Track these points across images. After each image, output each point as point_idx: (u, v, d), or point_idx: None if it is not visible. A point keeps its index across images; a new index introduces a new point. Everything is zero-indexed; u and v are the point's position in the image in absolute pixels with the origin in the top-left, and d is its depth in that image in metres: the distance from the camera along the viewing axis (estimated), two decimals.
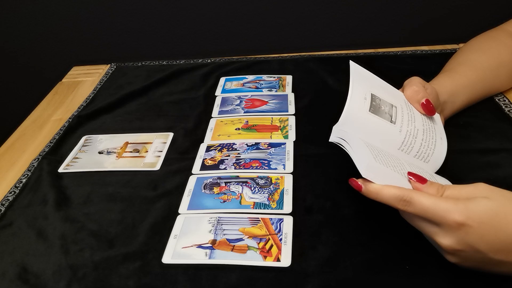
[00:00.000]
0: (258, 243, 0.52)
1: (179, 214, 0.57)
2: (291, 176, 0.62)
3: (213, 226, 0.55)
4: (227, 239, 0.53)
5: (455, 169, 0.58)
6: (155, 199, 0.60)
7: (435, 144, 0.57)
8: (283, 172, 0.62)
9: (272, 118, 0.75)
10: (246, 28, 1.07)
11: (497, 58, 0.69)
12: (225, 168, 0.64)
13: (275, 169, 0.63)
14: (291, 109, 0.77)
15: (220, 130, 0.73)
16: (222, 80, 0.89)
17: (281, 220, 0.55)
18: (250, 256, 0.50)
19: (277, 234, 0.53)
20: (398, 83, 0.62)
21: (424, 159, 0.56)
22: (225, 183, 0.61)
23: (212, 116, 0.77)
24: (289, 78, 0.87)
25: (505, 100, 0.71)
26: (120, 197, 0.61)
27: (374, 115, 0.54)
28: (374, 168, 0.46)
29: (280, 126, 0.72)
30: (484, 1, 0.99)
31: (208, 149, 0.69)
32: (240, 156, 0.66)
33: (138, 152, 0.70)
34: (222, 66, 0.94)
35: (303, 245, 0.51)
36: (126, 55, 1.11)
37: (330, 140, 0.52)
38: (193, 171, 0.65)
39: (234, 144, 0.69)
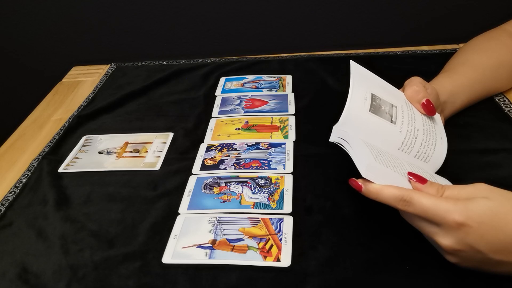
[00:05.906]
0: (258, 243, 0.52)
1: (179, 214, 0.57)
2: (291, 176, 0.62)
3: (213, 226, 0.54)
4: (227, 239, 0.53)
5: (455, 169, 0.58)
6: (155, 199, 0.60)
7: (435, 144, 0.57)
8: (283, 172, 0.62)
9: (272, 118, 0.75)
10: (246, 28, 1.07)
11: (497, 58, 0.69)
12: (225, 168, 0.64)
13: (275, 169, 0.63)
14: (291, 109, 0.77)
15: (220, 130, 0.73)
16: (222, 80, 0.89)
17: (281, 220, 0.55)
18: (250, 256, 0.50)
19: (277, 234, 0.53)
20: (398, 83, 0.62)
21: (424, 159, 0.56)
22: (225, 183, 0.61)
23: (212, 116, 0.77)
24: (289, 78, 0.87)
25: (505, 100, 0.71)
26: (120, 197, 0.61)
27: (374, 115, 0.54)
28: (374, 168, 0.46)
29: (280, 126, 0.72)
30: (484, 1, 0.99)
31: (208, 149, 0.69)
32: (240, 156, 0.66)
33: (138, 152, 0.70)
34: (222, 66, 0.93)
35: (303, 245, 0.51)
36: (126, 55, 1.11)
37: (330, 140, 0.52)
38: (193, 171, 0.65)
39: (234, 144, 0.69)
